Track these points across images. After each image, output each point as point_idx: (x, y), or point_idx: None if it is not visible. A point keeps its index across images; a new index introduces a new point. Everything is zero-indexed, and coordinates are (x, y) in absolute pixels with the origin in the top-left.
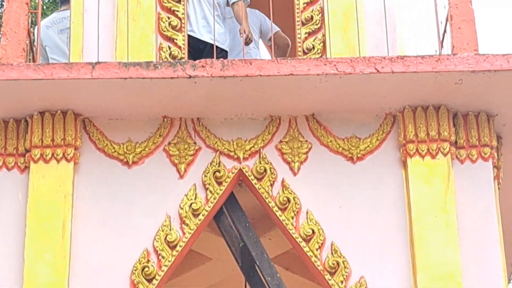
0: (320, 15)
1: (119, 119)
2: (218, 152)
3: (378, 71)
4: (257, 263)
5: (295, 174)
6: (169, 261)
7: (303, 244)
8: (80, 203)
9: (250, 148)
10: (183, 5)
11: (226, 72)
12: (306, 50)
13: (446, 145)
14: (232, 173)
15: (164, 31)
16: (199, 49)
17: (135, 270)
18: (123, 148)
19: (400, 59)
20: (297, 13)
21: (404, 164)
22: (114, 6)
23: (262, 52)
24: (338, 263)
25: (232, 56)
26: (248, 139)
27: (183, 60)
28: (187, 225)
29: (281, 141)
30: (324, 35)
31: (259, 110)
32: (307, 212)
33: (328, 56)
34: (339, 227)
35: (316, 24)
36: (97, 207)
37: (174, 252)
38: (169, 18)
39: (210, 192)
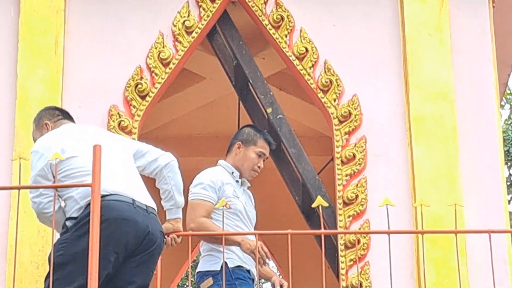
0: None
1: None
2: None
3: None
4: (251, 81)
5: None
6: (162, 78)
7: (296, 62)
8: (72, 19)
9: None
10: None
11: None
12: None
13: None
14: None
15: None
16: None
17: (128, 87)
18: None
19: None
20: None
21: None
22: None
23: None
24: (331, 81)
25: None
26: None
27: None
28: (180, 42)
29: None
30: None
31: None
32: (300, 30)
33: None
34: (332, 45)
35: None
36: (89, 23)
37: (167, 70)
38: None
39: (203, 9)
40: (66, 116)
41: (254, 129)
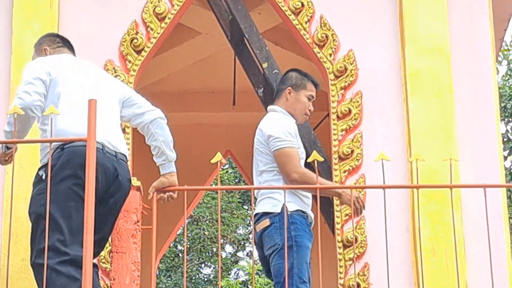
0: None
1: None
2: None
3: None
4: (246, 36)
5: None
6: (157, 33)
7: (292, 17)
8: None
9: None
10: None
11: None
12: None
13: None
14: None
15: None
16: None
17: (124, 42)
18: None
19: None
20: None
21: None
22: None
23: None
24: (327, 36)
25: None
26: None
27: None
28: None
29: None
30: None
31: None
32: None
33: None
34: (328, 0)
35: None
36: None
37: (163, 24)
38: None
39: None
40: (67, 45)
41: (300, 72)
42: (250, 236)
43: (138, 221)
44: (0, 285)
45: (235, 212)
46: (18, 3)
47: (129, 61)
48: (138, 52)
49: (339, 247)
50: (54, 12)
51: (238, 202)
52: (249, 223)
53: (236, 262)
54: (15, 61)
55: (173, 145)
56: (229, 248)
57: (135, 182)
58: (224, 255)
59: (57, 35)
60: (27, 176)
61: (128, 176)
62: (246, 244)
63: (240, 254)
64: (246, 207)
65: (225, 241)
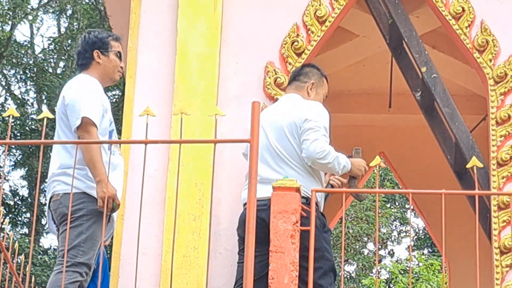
0: None
1: None
2: None
3: None
4: (405, 40)
5: None
6: (318, 36)
7: (452, 21)
8: None
9: None
10: None
11: None
12: None
13: None
14: None
15: None
16: None
17: (285, 44)
18: None
19: None
20: None
21: None
22: None
23: None
24: (487, 41)
25: None
26: None
27: None
28: (337, 0)
29: None
30: None
31: None
32: None
33: None
34: (489, 5)
35: None
36: None
37: (323, 27)
38: None
39: None
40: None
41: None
42: (393, 234)
43: (297, 222)
44: (163, 280)
45: (380, 211)
46: (183, 5)
47: (290, 63)
48: (299, 55)
49: (496, 254)
50: (218, 13)
51: (383, 201)
52: (393, 221)
53: (379, 261)
54: (179, 62)
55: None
56: (371, 246)
57: (294, 183)
58: (366, 252)
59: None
60: (189, 175)
61: None
62: (388, 243)
63: (382, 252)
64: (389, 205)
65: (369, 240)
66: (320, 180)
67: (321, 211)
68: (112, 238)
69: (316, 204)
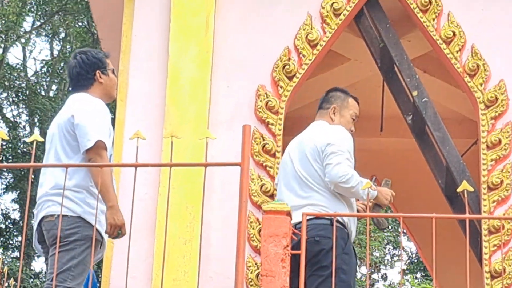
0: None
1: None
2: None
3: None
4: (397, 64)
5: None
6: (309, 59)
7: (443, 46)
8: None
9: None
10: None
11: None
12: None
13: None
14: None
15: None
16: None
17: (276, 68)
18: None
19: None
20: None
21: None
22: None
23: None
24: (478, 66)
25: None
26: None
27: None
28: (328, 24)
29: None
30: None
31: None
32: (448, 14)
33: None
34: (480, 29)
35: None
36: (239, 4)
37: (315, 51)
38: None
39: None
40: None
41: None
42: (386, 258)
43: (287, 246)
44: None
45: (372, 235)
46: (175, 28)
47: (281, 87)
48: (290, 78)
49: (487, 278)
50: (209, 37)
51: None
52: (386, 245)
53: (372, 285)
54: (170, 84)
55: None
56: (364, 270)
57: (284, 207)
58: (359, 276)
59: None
60: (179, 198)
61: None
62: (381, 267)
63: (375, 276)
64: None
65: (361, 263)
66: (349, 203)
67: (352, 234)
68: (100, 262)
69: (343, 225)
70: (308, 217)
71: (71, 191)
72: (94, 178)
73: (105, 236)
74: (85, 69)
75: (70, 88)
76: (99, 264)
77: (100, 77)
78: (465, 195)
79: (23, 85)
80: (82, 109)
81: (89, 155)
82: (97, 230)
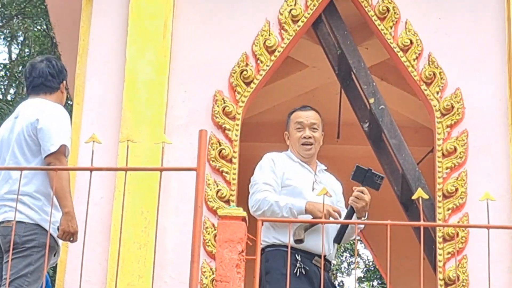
0: None
1: None
2: None
3: None
4: (354, 71)
5: None
6: (267, 65)
7: (400, 54)
8: (181, 3)
9: None
10: None
11: None
12: None
13: None
14: None
15: None
16: None
17: (234, 73)
18: None
19: None
20: None
21: None
22: None
23: None
24: (434, 74)
25: None
26: None
27: None
28: (286, 30)
29: None
30: None
31: None
32: (406, 22)
33: None
34: (437, 38)
35: None
36: (197, 8)
37: (273, 57)
38: None
39: None
40: None
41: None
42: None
43: (242, 251)
44: None
45: None
46: (132, 32)
47: (238, 93)
48: (248, 84)
49: (441, 285)
50: (167, 41)
51: None
52: (343, 252)
53: None
54: (127, 89)
55: None
56: None
57: (240, 212)
58: None
59: None
60: (134, 203)
61: None
62: (338, 274)
63: None
64: None
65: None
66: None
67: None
68: (55, 266)
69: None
70: None
71: (29, 197)
72: (51, 183)
73: (61, 244)
74: (56, 75)
75: (29, 90)
76: (54, 268)
77: (64, 88)
78: (420, 202)
79: None
80: (47, 113)
81: (49, 160)
82: (53, 237)
